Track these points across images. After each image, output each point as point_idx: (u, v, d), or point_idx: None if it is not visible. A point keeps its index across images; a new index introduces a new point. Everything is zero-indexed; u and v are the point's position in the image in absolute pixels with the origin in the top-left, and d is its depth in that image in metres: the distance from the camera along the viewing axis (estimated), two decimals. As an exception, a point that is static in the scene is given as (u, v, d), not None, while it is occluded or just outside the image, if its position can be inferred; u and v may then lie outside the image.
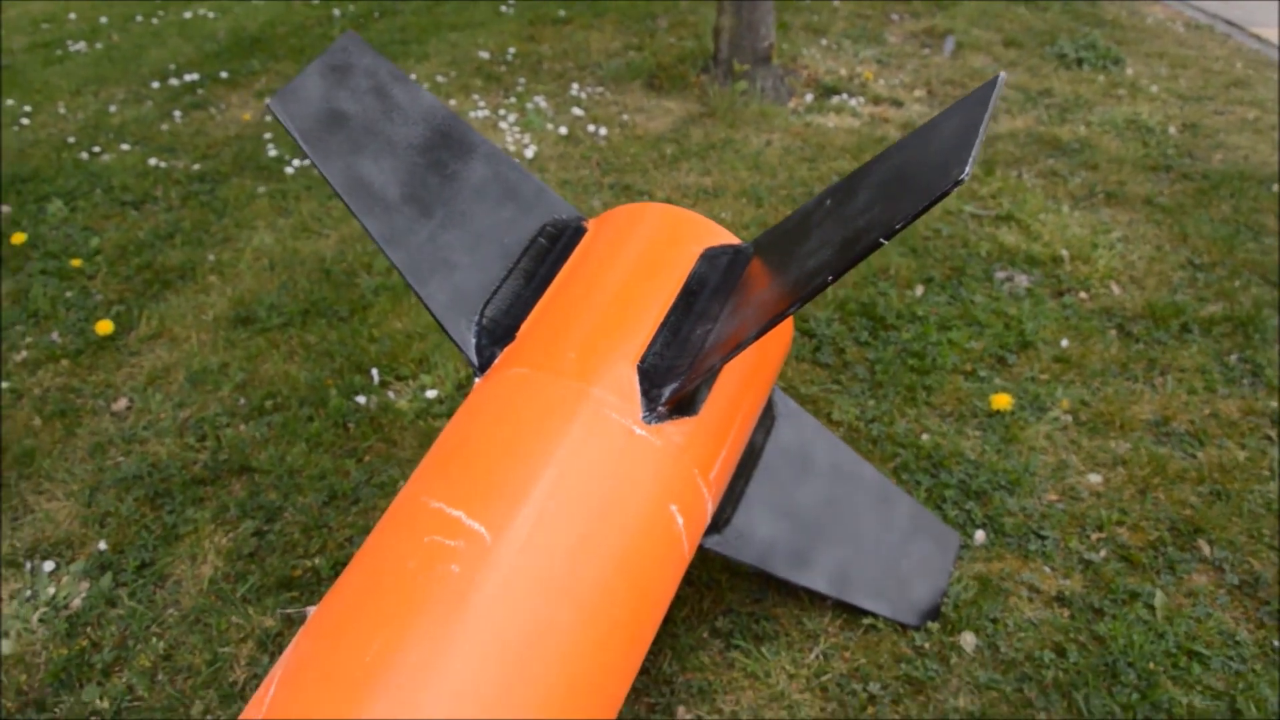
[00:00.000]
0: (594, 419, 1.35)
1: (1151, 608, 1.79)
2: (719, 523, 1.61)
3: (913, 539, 1.83)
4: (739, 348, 1.30)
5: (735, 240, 1.61)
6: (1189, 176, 3.38)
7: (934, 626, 1.75)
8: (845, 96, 4.05)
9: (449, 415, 2.29)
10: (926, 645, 1.72)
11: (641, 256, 1.55)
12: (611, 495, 1.31)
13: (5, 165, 3.71)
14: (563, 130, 3.75)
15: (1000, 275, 2.82)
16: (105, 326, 2.67)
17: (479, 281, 1.56)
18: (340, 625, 1.21)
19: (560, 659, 1.16)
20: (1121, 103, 4.00)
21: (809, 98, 4.03)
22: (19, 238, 3.14)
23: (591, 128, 3.77)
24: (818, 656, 1.71)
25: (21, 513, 2.15)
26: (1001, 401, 2.28)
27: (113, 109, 4.27)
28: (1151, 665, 1.67)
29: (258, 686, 1.62)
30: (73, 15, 5.66)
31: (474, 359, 1.52)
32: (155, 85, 4.50)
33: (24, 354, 2.63)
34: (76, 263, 3.03)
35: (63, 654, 1.81)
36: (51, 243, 3.16)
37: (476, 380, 1.51)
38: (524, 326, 1.52)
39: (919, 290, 2.74)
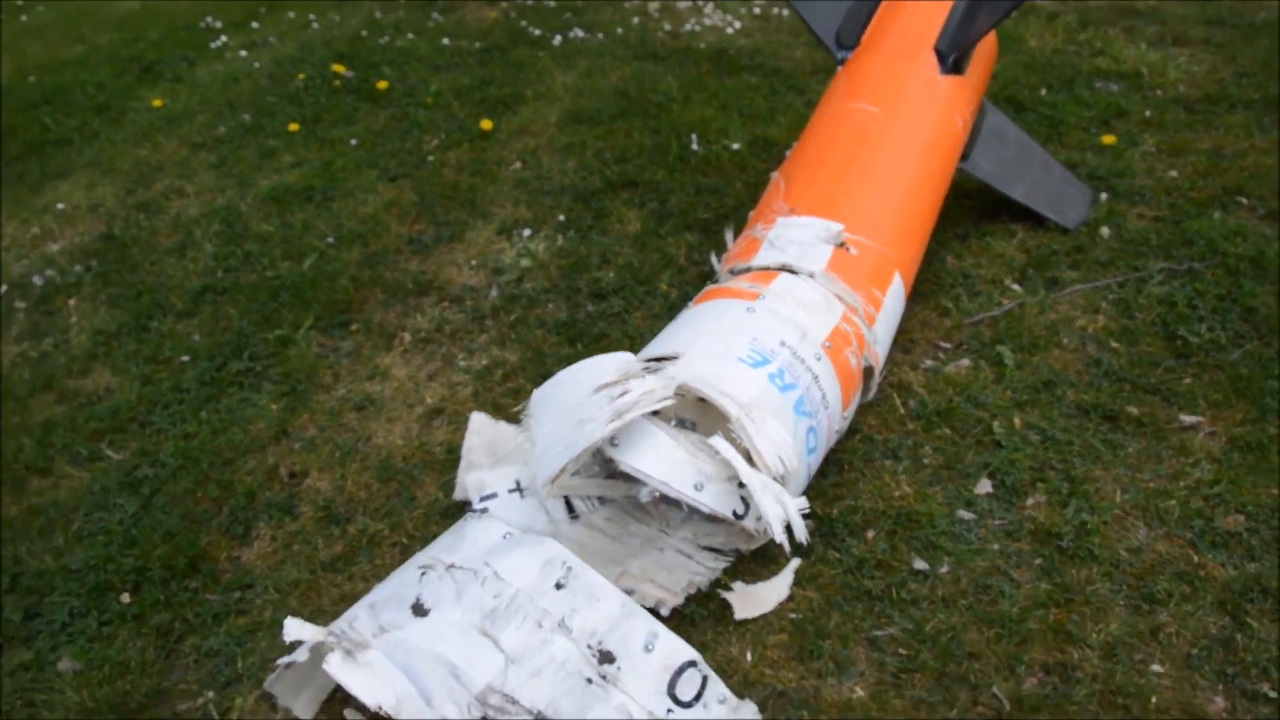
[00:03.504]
0: (916, 71, 2.83)
1: (1213, 220, 3.26)
2: (965, 156, 3.09)
3: (1066, 185, 3.31)
4: (985, 32, 2.79)
5: None
6: (1238, 26, 4.82)
7: (1084, 229, 3.23)
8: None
9: (751, 156, 3.78)
10: (1082, 234, 3.20)
11: (922, 3, 3.05)
12: (929, 105, 2.80)
13: (322, 50, 5.24)
14: (756, 10, 5.26)
15: (1099, 84, 4.29)
16: (486, 124, 4.17)
17: (833, 22, 3.06)
18: (814, 149, 2.69)
19: (922, 166, 2.62)
20: (1181, -16, 5.44)
21: None
22: (383, 84, 4.66)
23: (775, 10, 5.27)
24: (1019, 241, 3.20)
25: (488, 215, 3.65)
26: (1108, 139, 3.75)
27: (378, 15, 5.80)
28: (1213, 235, 3.14)
29: (692, 271, 3.11)
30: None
31: (836, 56, 3.02)
32: (401, -1, 6.02)
33: (434, 142, 4.14)
34: (428, 100, 4.54)
35: (565, 261, 3.30)
36: (400, 90, 4.68)
37: (839, 69, 3.01)
38: (862, 40, 3.02)
39: (1043, 91, 4.21)
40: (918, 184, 2.62)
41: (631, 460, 1.86)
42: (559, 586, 1.68)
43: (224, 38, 5.60)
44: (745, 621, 2.03)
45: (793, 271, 2.34)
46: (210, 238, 3.61)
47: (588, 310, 3.00)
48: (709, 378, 1.93)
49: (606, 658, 1.64)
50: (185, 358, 3.01)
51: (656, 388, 1.86)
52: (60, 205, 3.97)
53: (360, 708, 1.96)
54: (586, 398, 1.91)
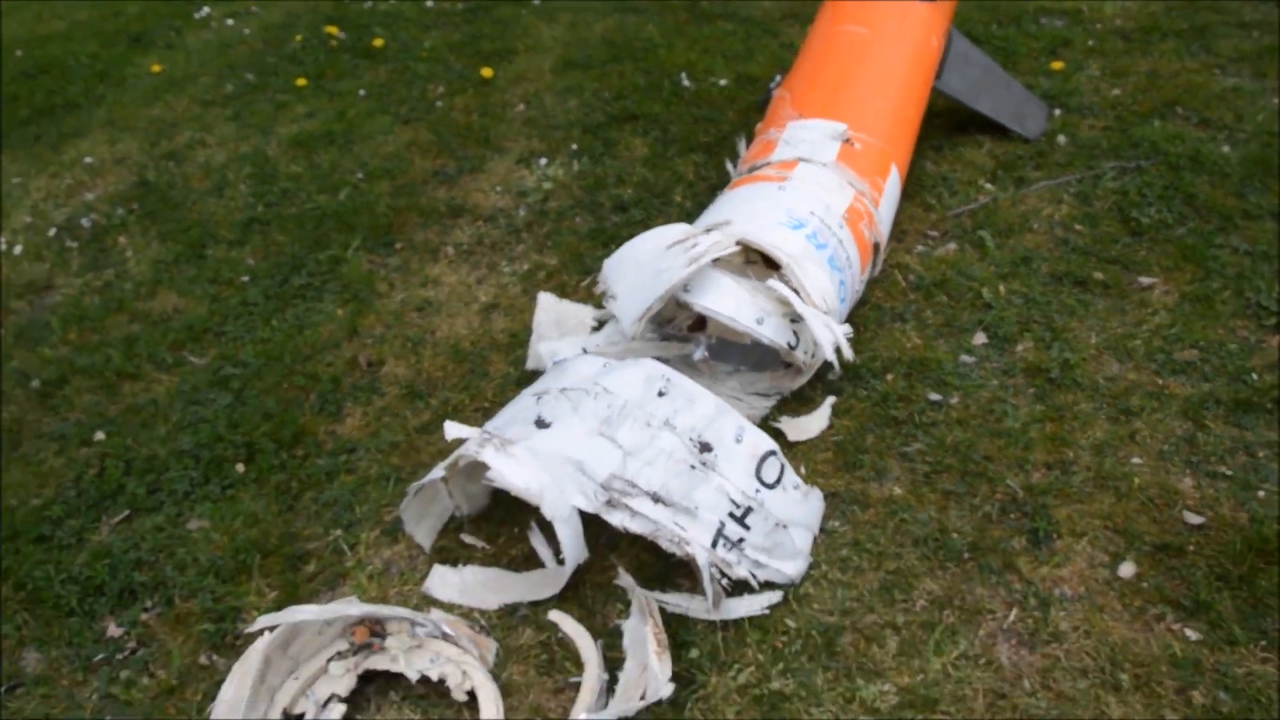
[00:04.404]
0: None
1: (1154, 127, 3.76)
2: (937, 75, 3.54)
3: (1025, 102, 3.78)
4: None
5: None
6: (1159, -30, 5.36)
7: (1043, 138, 3.71)
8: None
9: (739, 90, 4.20)
10: (1042, 143, 3.68)
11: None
12: (909, 25, 3.23)
13: (309, 15, 5.55)
14: (721, -35, 5.67)
15: (1043, 20, 4.78)
16: (487, 72, 4.54)
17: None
18: (813, 65, 3.13)
19: (908, 75, 3.04)
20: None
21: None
22: (379, 41, 5.00)
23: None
24: (987, 150, 3.67)
25: (504, 149, 4.04)
26: (1057, 65, 4.24)
27: (355, -17, 6.11)
28: (1155, 139, 3.63)
29: (702, 185, 3.52)
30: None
31: (825, -14, 3.44)
32: (377, -34, 6.34)
33: (440, 90, 4.51)
34: (423, 54, 4.90)
35: (585, 182, 3.70)
36: (395, 46, 5.03)
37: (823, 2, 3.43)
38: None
39: (994, 27, 4.69)
40: (906, 90, 3.06)
41: (705, 301, 2.27)
42: (661, 395, 2.08)
43: (207, 8, 5.88)
44: (796, 444, 2.45)
45: (808, 163, 2.76)
46: (243, 179, 3.94)
47: (613, 220, 3.39)
48: (761, 233, 2.35)
49: (705, 448, 2.04)
50: (245, 278, 3.35)
51: (721, 239, 2.27)
52: (87, 159, 4.26)
53: (475, 531, 2.35)
54: (660, 254, 2.31)
